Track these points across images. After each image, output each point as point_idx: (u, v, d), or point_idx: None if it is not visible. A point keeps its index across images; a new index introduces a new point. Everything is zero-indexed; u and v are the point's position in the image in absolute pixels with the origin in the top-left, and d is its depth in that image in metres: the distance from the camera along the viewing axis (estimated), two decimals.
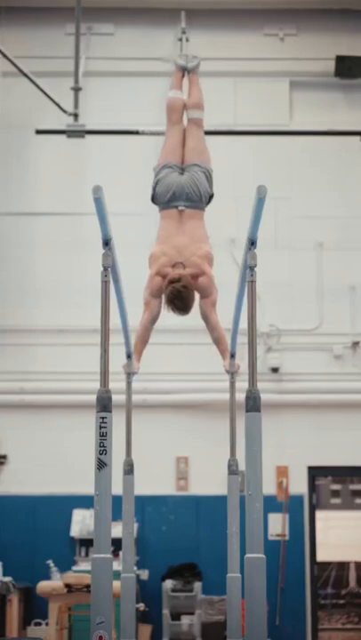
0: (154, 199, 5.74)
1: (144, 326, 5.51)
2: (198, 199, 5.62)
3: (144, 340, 5.58)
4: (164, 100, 6.33)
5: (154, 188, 5.72)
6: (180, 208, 5.57)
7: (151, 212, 10.98)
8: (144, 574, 9.94)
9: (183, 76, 6.37)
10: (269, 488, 10.15)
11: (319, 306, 10.79)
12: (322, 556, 11.13)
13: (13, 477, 10.41)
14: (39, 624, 9.32)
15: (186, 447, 10.46)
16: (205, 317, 5.51)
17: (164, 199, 5.63)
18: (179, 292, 5.28)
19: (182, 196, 5.59)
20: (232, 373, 5.43)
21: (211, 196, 5.74)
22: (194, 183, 5.62)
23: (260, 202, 3.41)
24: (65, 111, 9.85)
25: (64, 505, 10.18)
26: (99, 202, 3.51)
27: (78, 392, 10.09)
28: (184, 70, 6.37)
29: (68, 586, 8.03)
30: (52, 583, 8.52)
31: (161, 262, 5.45)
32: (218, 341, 5.55)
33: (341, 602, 12.66)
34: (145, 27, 11.19)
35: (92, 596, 3.32)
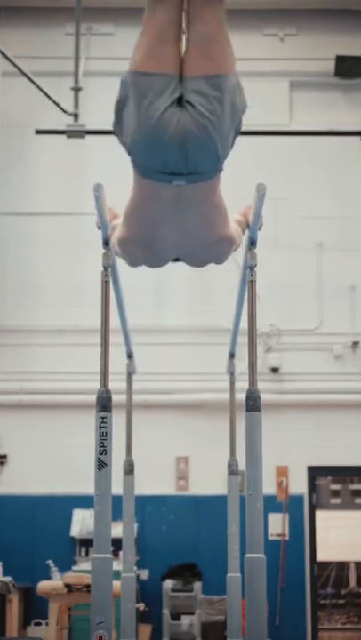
0: (129, 153, 3.25)
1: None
2: (214, 164, 3.13)
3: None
4: None
5: (125, 143, 3.26)
6: (175, 183, 3.15)
7: None
8: (144, 574, 9.95)
9: None
10: (269, 488, 10.15)
11: (319, 306, 10.79)
12: (322, 555, 11.14)
13: (13, 477, 10.41)
14: (39, 624, 9.33)
15: (186, 447, 10.47)
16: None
17: (149, 166, 3.15)
18: None
19: (182, 165, 3.09)
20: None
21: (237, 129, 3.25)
22: (207, 131, 3.01)
23: (259, 200, 3.40)
24: (65, 111, 9.85)
25: (64, 505, 10.18)
26: (99, 200, 3.50)
27: (78, 392, 10.09)
28: None
29: (68, 586, 8.03)
30: (52, 583, 8.52)
31: None
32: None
33: (341, 602, 12.67)
34: None
35: (92, 595, 3.33)
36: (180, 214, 3.26)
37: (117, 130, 3.28)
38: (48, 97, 9.88)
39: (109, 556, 3.37)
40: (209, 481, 10.02)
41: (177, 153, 3.04)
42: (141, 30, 3.03)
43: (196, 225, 3.33)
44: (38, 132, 9.98)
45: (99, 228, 3.70)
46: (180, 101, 3.00)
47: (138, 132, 3.07)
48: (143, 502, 9.95)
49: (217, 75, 3.01)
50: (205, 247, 3.45)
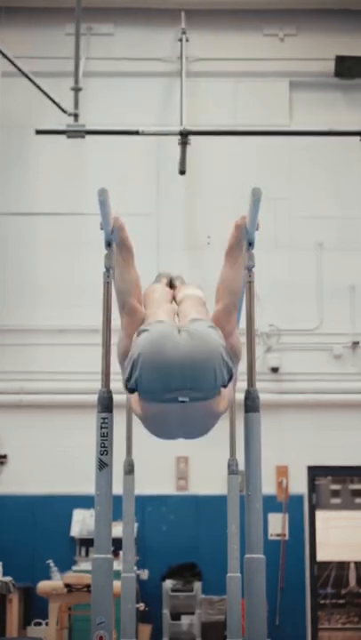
0: (130, 385, 3.39)
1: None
2: (212, 384, 3.35)
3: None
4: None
5: (128, 377, 3.36)
6: (180, 400, 3.37)
7: (151, 212, 11.08)
8: (144, 574, 9.94)
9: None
10: (269, 488, 10.15)
11: (319, 306, 10.79)
12: (322, 555, 11.13)
13: (13, 477, 10.41)
14: (39, 624, 9.33)
15: (186, 447, 10.43)
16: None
17: (153, 390, 3.36)
18: None
19: (185, 383, 3.31)
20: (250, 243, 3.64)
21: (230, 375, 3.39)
22: (202, 351, 3.29)
23: (255, 204, 3.42)
24: (65, 111, 9.85)
25: (64, 505, 10.18)
26: (103, 204, 3.50)
27: (78, 392, 10.08)
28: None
29: (68, 586, 8.03)
30: (52, 583, 8.53)
31: None
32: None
33: (341, 602, 12.67)
34: (145, 27, 11.19)
35: (92, 596, 3.32)
36: (186, 419, 3.62)
37: (129, 380, 3.41)
38: (48, 97, 9.89)
39: (109, 556, 3.37)
40: (209, 481, 10.01)
41: (181, 374, 3.30)
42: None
43: (202, 418, 3.66)
44: (38, 132, 9.98)
45: (101, 229, 3.71)
46: (178, 332, 3.38)
47: (146, 366, 3.30)
48: (143, 502, 9.96)
49: (205, 319, 3.63)
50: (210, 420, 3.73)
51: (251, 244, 3.60)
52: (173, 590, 9.92)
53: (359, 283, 10.84)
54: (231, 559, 5.19)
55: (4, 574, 8.75)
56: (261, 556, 3.28)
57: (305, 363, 10.64)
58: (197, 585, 9.94)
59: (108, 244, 3.68)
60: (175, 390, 3.30)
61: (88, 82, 10.51)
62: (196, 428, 3.75)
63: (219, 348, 3.32)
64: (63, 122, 9.92)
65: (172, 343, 3.29)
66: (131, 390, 3.39)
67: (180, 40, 10.93)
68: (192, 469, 10.48)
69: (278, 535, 10.27)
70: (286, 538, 10.31)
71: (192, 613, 9.86)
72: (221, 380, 3.33)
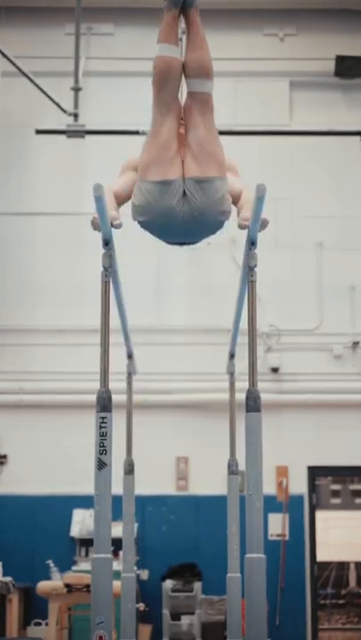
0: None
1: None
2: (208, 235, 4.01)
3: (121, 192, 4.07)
4: None
5: (140, 221, 3.89)
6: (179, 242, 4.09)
7: None
8: (144, 574, 9.94)
9: (178, 17, 4.40)
10: (269, 488, 10.15)
11: (319, 306, 10.79)
12: (322, 555, 11.13)
13: (13, 477, 10.41)
14: (39, 624, 9.32)
15: (186, 447, 10.46)
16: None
17: (156, 236, 4.02)
18: None
19: (183, 237, 4.02)
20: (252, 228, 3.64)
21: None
22: (202, 224, 3.86)
23: (259, 201, 3.41)
24: (65, 111, 9.85)
25: (64, 505, 10.18)
26: (99, 200, 3.50)
27: (78, 392, 10.08)
28: (179, 8, 4.32)
29: (68, 586, 8.03)
30: (52, 583, 8.52)
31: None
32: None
33: (341, 602, 12.67)
34: (145, 27, 11.17)
35: (92, 596, 3.32)
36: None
37: (133, 214, 3.90)
38: (48, 97, 9.88)
39: (109, 555, 3.37)
40: (209, 481, 10.01)
41: (180, 234, 3.94)
42: (149, 141, 3.87)
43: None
44: (38, 131, 9.98)
45: (94, 229, 3.70)
46: (182, 195, 3.77)
47: (150, 223, 3.84)
48: (143, 502, 9.95)
49: (204, 179, 3.75)
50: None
51: (253, 244, 3.60)
52: (173, 590, 9.92)
53: (359, 283, 10.84)
54: (231, 559, 5.19)
55: (4, 574, 8.74)
56: (262, 555, 3.28)
57: (305, 363, 10.64)
58: (197, 585, 9.93)
59: (106, 243, 3.68)
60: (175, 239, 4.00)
61: (88, 82, 10.52)
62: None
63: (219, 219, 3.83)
64: (63, 122, 9.92)
65: (174, 207, 3.75)
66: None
67: (180, 40, 10.91)
68: (192, 469, 10.48)
69: (278, 535, 10.27)
70: (286, 538, 10.30)
71: (192, 613, 9.86)
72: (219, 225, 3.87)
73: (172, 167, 3.77)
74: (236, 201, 3.96)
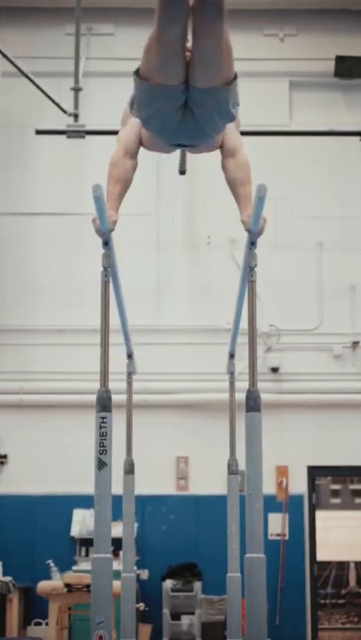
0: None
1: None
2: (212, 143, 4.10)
3: (118, 178, 4.06)
4: None
5: (140, 118, 3.87)
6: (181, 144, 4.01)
7: (151, 211, 11.07)
8: (144, 574, 9.95)
9: None
10: (269, 488, 10.15)
11: (319, 306, 10.79)
12: (322, 555, 11.14)
13: (13, 477, 10.41)
14: (39, 624, 9.33)
15: (186, 447, 10.47)
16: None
17: (158, 136, 3.96)
18: None
19: (185, 142, 3.98)
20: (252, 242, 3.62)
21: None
22: (204, 134, 3.92)
23: (259, 201, 3.41)
24: (65, 111, 9.84)
25: (64, 505, 10.18)
26: (99, 200, 3.50)
27: (78, 392, 10.09)
28: None
29: (68, 586, 8.03)
30: (52, 583, 8.53)
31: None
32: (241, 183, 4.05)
33: (341, 602, 12.68)
34: (145, 27, 11.11)
35: (92, 595, 3.32)
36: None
37: (133, 109, 3.88)
38: (48, 97, 9.88)
39: (109, 555, 3.37)
40: (209, 481, 10.02)
41: (182, 141, 3.86)
42: (151, 44, 3.51)
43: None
44: (38, 132, 9.97)
45: (96, 230, 3.68)
46: (185, 102, 3.57)
47: (151, 122, 3.74)
48: (143, 502, 9.96)
49: (211, 88, 3.50)
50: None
51: (253, 244, 3.60)
52: (173, 590, 9.92)
53: (359, 283, 10.84)
54: (231, 559, 5.19)
55: (4, 574, 8.75)
56: (262, 555, 3.28)
57: (305, 363, 10.64)
58: (197, 585, 9.93)
59: (106, 244, 3.68)
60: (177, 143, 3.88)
61: (88, 82, 10.52)
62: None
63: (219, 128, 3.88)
64: (63, 122, 9.91)
65: (176, 116, 3.61)
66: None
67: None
68: (192, 469, 10.48)
69: (278, 535, 10.27)
70: (286, 538, 10.30)
71: (192, 613, 9.86)
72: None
73: (177, 76, 3.48)
74: (223, 150, 4.17)
